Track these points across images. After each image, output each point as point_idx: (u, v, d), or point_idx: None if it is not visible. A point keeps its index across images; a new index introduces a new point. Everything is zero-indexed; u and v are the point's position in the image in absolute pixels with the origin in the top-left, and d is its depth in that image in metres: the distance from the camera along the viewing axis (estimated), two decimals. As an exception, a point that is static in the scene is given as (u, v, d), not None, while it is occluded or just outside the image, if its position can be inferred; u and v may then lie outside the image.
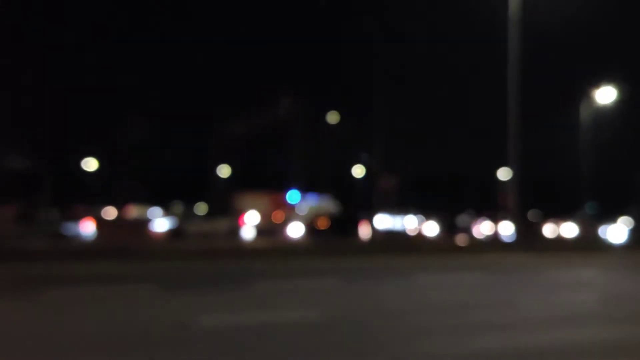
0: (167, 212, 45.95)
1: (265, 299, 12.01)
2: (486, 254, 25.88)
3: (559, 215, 48.93)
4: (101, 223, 36.21)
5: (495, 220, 41.48)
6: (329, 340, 8.31)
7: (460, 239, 37.71)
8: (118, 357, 7.35)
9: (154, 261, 19.72)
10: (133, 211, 44.47)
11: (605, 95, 38.66)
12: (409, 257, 23.62)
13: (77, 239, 31.62)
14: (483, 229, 45.86)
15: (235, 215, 41.57)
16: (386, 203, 44.49)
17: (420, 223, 46.19)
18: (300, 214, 42.09)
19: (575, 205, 46.33)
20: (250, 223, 40.67)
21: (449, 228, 45.27)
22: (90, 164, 52.86)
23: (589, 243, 36.24)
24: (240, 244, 31.41)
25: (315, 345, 8.04)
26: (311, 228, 39.22)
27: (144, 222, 38.62)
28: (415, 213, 46.83)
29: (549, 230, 47.19)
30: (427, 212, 47.37)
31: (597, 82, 38.86)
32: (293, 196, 44.13)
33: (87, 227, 34.57)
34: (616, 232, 42.80)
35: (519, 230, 30.59)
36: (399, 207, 45.47)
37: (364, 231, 39.97)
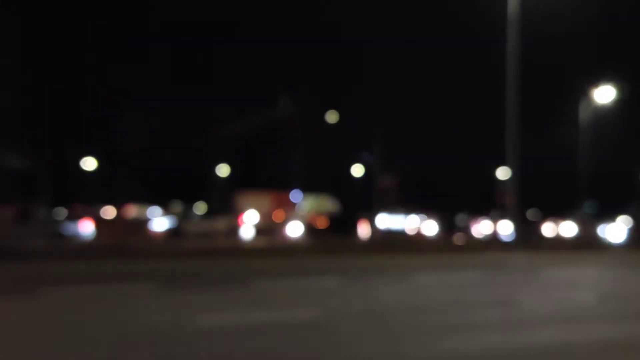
0: (166, 211, 45.95)
1: (264, 298, 12.02)
2: (485, 253, 25.89)
3: (558, 215, 48.90)
4: (100, 222, 36.21)
5: (495, 219, 41.48)
6: (327, 340, 8.31)
7: (460, 238, 37.71)
8: (117, 356, 7.35)
9: (153, 260, 19.72)
10: (132, 211, 44.48)
11: (604, 94, 38.68)
12: (408, 256, 23.62)
13: (76, 239, 31.62)
14: (482, 228, 45.84)
15: (234, 215, 41.58)
16: (385, 202, 44.50)
17: (419, 222, 46.19)
18: (301, 213, 42.10)
19: (574, 204, 46.29)
20: (249, 222, 40.67)
21: (448, 227, 45.26)
22: (89, 164, 52.84)
23: (588, 242, 36.25)
24: (239, 243, 31.41)
25: (313, 344, 8.05)
26: (310, 227, 39.23)
27: (143, 222, 38.62)
28: (414, 212, 46.82)
29: (548, 229, 47.16)
30: (426, 211, 47.37)
31: (596, 82, 38.89)
32: (294, 195, 44.15)
33: (86, 227, 34.56)
34: (615, 231, 42.82)
35: (518, 229, 30.59)
36: (398, 207, 45.47)
37: (363, 230, 39.98)
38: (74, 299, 11.53)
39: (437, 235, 43.31)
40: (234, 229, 38.79)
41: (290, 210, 42.52)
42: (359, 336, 8.61)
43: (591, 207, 48.37)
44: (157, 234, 35.36)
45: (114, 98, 51.83)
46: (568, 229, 46.48)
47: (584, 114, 42.73)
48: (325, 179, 50.69)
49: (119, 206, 44.65)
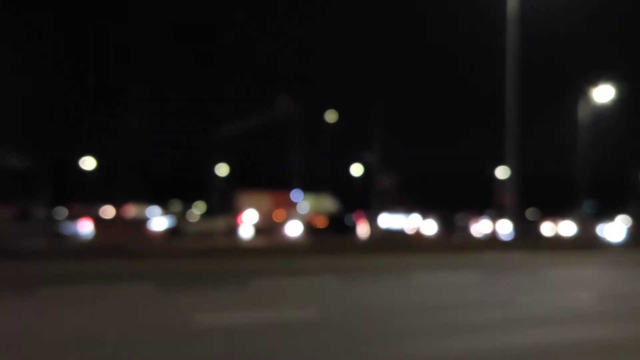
0: (166, 211, 45.92)
1: (263, 297, 12.03)
2: (484, 253, 25.90)
3: (557, 214, 48.94)
4: (99, 222, 36.19)
5: (494, 218, 41.49)
6: (326, 339, 8.33)
7: (459, 238, 37.70)
8: (117, 356, 7.36)
9: (152, 260, 19.72)
10: (131, 210, 44.45)
11: (604, 93, 38.70)
12: (407, 256, 23.62)
13: (75, 238, 31.61)
14: (481, 227, 45.85)
15: (234, 214, 41.56)
16: (385, 202, 44.54)
17: (418, 222, 46.20)
18: (301, 212, 42.09)
19: (574, 203, 46.31)
20: (248, 222, 40.65)
21: (448, 227, 45.27)
22: (88, 163, 52.84)
23: (587, 241, 36.26)
24: (238, 242, 31.41)
25: (312, 343, 8.06)
26: (309, 227, 39.22)
27: (142, 221, 38.59)
28: (413, 212, 46.84)
29: (547, 228, 47.20)
30: (425, 210, 47.39)
31: (595, 81, 38.89)
32: (294, 195, 44.15)
33: (85, 226, 34.55)
34: (614, 230, 42.84)
35: (517, 228, 30.61)
36: (397, 206, 45.49)
37: (362, 230, 39.98)
38: (73, 298, 11.54)
39: (437, 234, 43.32)
40: (234, 228, 38.78)
41: (290, 209, 42.51)
42: (358, 336, 8.62)
43: (590, 207, 48.40)
44: (156, 234, 35.34)
45: (113, 97, 51.86)
46: (567, 228, 46.51)
47: (583, 114, 42.76)
48: (325, 178, 50.69)
49: (118, 206, 44.65)
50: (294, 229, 38.51)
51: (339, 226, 39.06)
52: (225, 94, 59.73)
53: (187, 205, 49.55)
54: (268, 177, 50.79)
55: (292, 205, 42.89)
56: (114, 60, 55.00)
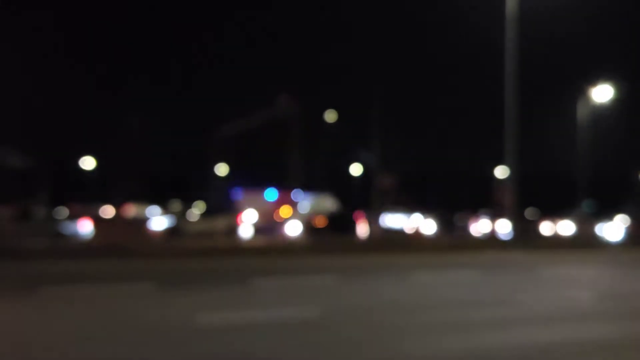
0: (166, 210, 45.91)
1: (263, 297, 12.05)
2: (484, 252, 25.92)
3: (556, 213, 48.95)
4: (99, 222, 36.15)
5: (493, 218, 41.50)
6: (326, 338, 8.35)
7: (458, 237, 37.69)
8: (117, 356, 7.39)
9: (152, 260, 19.73)
10: (131, 210, 44.42)
11: (603, 93, 38.72)
12: (407, 255, 23.65)
13: (75, 238, 31.60)
14: (481, 227, 45.85)
15: (233, 214, 41.55)
16: (385, 201, 44.51)
17: (418, 221, 46.19)
18: (301, 212, 42.10)
19: (572, 203, 46.33)
20: (248, 221, 40.65)
21: (447, 226, 45.27)
22: (88, 163, 52.83)
23: (586, 241, 36.27)
24: (238, 242, 31.42)
25: (312, 343, 8.08)
26: (309, 226, 39.23)
27: (142, 221, 38.57)
28: (413, 211, 46.83)
29: (546, 228, 47.19)
30: (425, 210, 47.40)
31: (594, 81, 38.92)
32: (295, 195, 44.16)
33: (85, 226, 34.53)
34: (613, 230, 42.86)
35: (516, 228, 30.62)
36: (397, 206, 45.47)
37: (362, 229, 39.99)
38: (73, 298, 11.55)
39: (436, 234, 43.33)
40: (233, 228, 38.78)
41: (292, 209, 42.51)
42: (357, 334, 8.64)
43: (589, 206, 48.43)
44: (156, 233, 35.33)
45: (112, 96, 51.88)
46: (566, 227, 46.51)
47: (582, 114, 42.78)
48: (324, 177, 50.72)
49: (118, 205, 44.64)
50: (293, 228, 38.54)
51: (339, 226, 39.06)
52: (225, 93, 59.76)
53: (187, 205, 49.57)
54: (268, 177, 50.79)
55: (292, 205, 42.90)
56: (114, 60, 55.00)
